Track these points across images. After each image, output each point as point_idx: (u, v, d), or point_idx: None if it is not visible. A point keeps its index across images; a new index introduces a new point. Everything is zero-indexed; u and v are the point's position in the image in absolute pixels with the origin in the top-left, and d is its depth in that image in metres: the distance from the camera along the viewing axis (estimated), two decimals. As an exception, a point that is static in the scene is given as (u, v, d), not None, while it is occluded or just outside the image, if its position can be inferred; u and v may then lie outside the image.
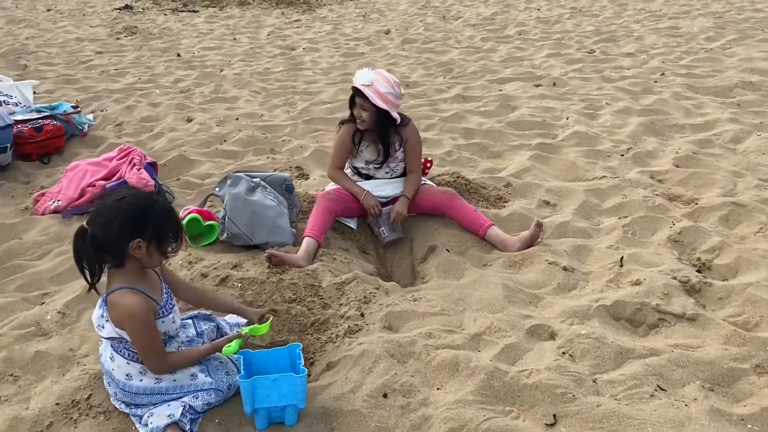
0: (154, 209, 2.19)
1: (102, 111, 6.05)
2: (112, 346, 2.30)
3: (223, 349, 2.33)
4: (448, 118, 5.44)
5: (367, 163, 3.73)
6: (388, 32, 9.54)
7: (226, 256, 3.35)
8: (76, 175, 4.00)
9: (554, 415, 2.25)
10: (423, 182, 3.79)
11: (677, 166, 4.35)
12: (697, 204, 3.79)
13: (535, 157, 4.59)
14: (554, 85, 6.35)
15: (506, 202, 4.02)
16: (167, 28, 10.58)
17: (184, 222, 3.43)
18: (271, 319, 2.51)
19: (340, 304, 2.97)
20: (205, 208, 3.61)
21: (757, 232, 3.46)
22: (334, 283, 3.09)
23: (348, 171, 3.85)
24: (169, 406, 2.24)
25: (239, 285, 3.08)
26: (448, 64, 7.43)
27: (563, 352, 2.57)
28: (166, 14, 11.93)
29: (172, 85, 7.03)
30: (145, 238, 2.17)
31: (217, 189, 3.76)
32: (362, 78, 3.54)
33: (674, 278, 3.03)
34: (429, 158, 4.01)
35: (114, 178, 3.98)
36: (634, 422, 2.15)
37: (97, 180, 3.95)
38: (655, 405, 2.24)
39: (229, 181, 3.52)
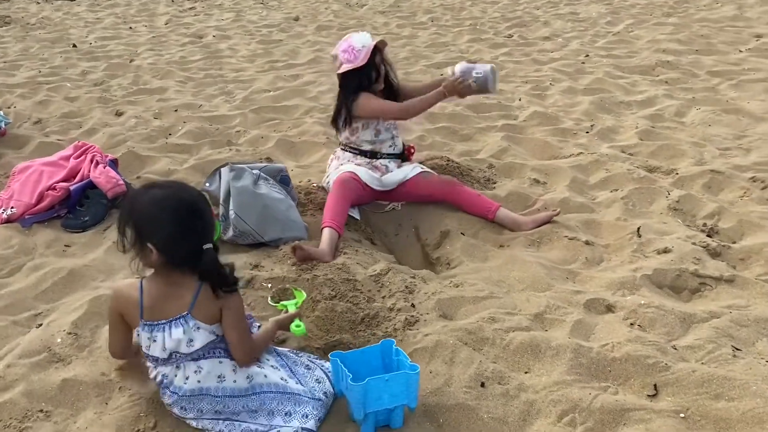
0: (132, 209, 2.06)
1: (9, 107, 5.34)
2: (196, 358, 2.06)
3: (295, 330, 2.30)
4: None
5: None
6: (297, 19, 9.24)
7: (238, 256, 3.05)
8: (30, 178, 3.47)
9: (654, 386, 2.24)
10: (423, 170, 3.66)
11: (642, 140, 4.54)
12: (677, 174, 3.97)
13: (507, 137, 4.61)
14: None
15: (494, 183, 4.00)
16: (46, 18, 9.58)
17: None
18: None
19: (383, 297, 2.79)
20: (199, 206, 3.26)
21: (741, 196, 3.68)
22: (370, 275, 2.90)
23: (348, 153, 3.65)
24: None
25: (269, 285, 2.82)
26: (375, 50, 7.30)
27: (631, 323, 2.58)
28: (38, 2, 10.79)
29: (80, 77, 6.35)
30: (153, 243, 1.99)
31: (206, 184, 3.41)
32: (364, 37, 3.54)
33: (694, 244, 3.14)
34: (411, 145, 3.91)
35: (76, 179, 3.50)
36: (735, 383, 2.18)
37: (57, 182, 3.45)
38: (743, 364, 2.29)
39: (230, 174, 3.20)
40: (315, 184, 3.79)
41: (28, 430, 2.07)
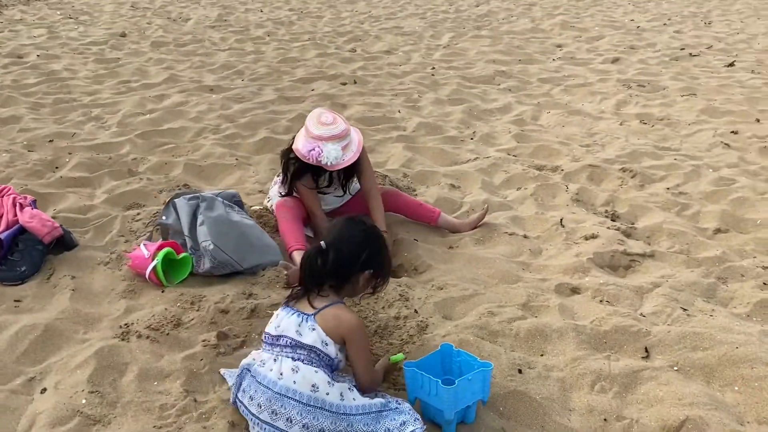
0: (385, 246, 2.35)
1: None
2: (296, 358, 2.15)
3: (392, 357, 2.43)
4: (295, 119, 5.40)
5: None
6: (123, 35, 8.68)
7: (221, 287, 2.99)
8: (-55, 229, 3.01)
9: (645, 348, 2.70)
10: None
11: (519, 143, 5.14)
12: (563, 170, 4.60)
13: (407, 147, 4.93)
14: (355, 82, 6.71)
15: (415, 191, 4.29)
16: None
17: (159, 259, 2.93)
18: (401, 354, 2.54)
19: (383, 308, 2.94)
20: (162, 241, 3.11)
21: (620, 185, 4.39)
22: (362, 289, 3.02)
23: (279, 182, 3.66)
24: None
25: (273, 313, 2.81)
26: (230, 67, 7.20)
27: (600, 300, 3.03)
28: None
29: None
30: (375, 270, 2.23)
31: (163, 217, 3.24)
32: (334, 156, 3.30)
33: (608, 228, 3.73)
34: None
35: (2, 227, 3.11)
36: (703, 336, 2.69)
37: (-19, 230, 3.04)
38: (698, 320, 2.85)
39: (199, 204, 3.09)
40: (257, 208, 3.77)
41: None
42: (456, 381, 2.13)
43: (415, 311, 2.92)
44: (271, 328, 2.25)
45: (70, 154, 4.52)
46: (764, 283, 3.14)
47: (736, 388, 2.46)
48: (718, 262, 3.35)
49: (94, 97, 5.95)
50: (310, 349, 2.15)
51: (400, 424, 2.09)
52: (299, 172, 3.45)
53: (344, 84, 6.61)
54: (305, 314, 2.20)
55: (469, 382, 2.16)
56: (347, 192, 3.66)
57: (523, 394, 2.39)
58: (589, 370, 2.53)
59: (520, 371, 2.52)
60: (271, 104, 5.86)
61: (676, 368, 2.58)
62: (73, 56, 7.47)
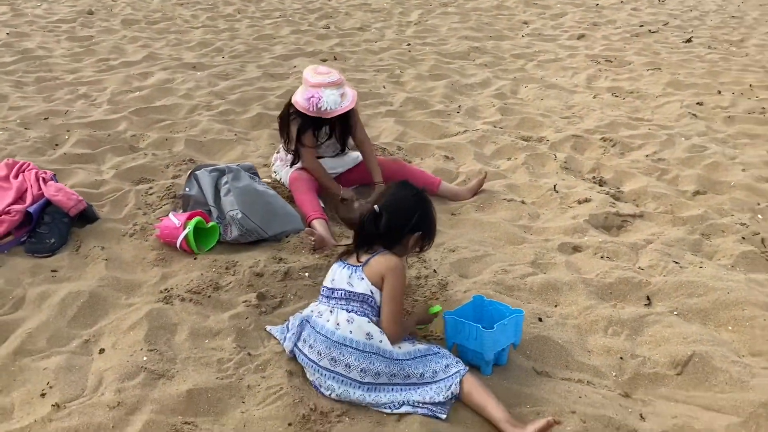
0: (432, 209, 2.53)
1: None
2: (350, 309, 2.33)
3: (431, 308, 2.61)
4: (283, 95, 5.50)
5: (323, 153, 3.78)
6: (91, 13, 8.52)
7: (251, 253, 3.15)
8: (-29, 205, 3.05)
9: (647, 297, 2.98)
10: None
11: (503, 116, 5.38)
12: (548, 141, 4.86)
13: (397, 122, 5.11)
14: (335, 59, 6.83)
15: (410, 162, 4.49)
16: None
17: (190, 227, 3.06)
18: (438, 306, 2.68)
19: (404, 268, 3.14)
20: (190, 211, 3.22)
21: (603, 153, 4.68)
22: (383, 252, 3.22)
23: (283, 153, 3.80)
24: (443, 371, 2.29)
25: (307, 274, 2.99)
26: (208, 44, 7.20)
27: (601, 257, 3.31)
28: None
29: None
30: (423, 232, 2.43)
31: (186, 189, 3.35)
32: (333, 101, 3.51)
33: (599, 192, 4.01)
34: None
35: (29, 201, 3.17)
36: (697, 284, 2.99)
37: (9, 205, 3.10)
38: (690, 271, 3.14)
39: (226, 176, 3.22)
40: (267, 180, 3.90)
41: (189, 443, 2.07)
42: (495, 326, 2.36)
43: (434, 271, 3.13)
44: (327, 282, 2.44)
45: (68, 131, 4.53)
46: (743, 238, 3.47)
47: (730, 328, 2.77)
48: (701, 220, 3.66)
49: (76, 75, 5.90)
50: (363, 299, 2.33)
51: (445, 366, 2.30)
52: (301, 128, 3.62)
53: (325, 60, 6.71)
54: (354, 266, 2.38)
55: (505, 327, 2.39)
56: (345, 149, 3.84)
57: (547, 339, 2.63)
58: (601, 317, 2.80)
59: (540, 320, 2.77)
60: (257, 81, 5.94)
61: (676, 313, 2.87)
62: (44, 34, 7.34)
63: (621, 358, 2.58)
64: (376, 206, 2.39)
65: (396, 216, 2.39)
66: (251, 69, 6.32)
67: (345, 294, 2.36)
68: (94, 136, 4.50)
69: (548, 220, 3.77)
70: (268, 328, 2.61)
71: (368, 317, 2.33)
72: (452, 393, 2.22)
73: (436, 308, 2.58)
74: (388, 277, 2.31)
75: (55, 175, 3.43)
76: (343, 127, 3.78)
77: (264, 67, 6.37)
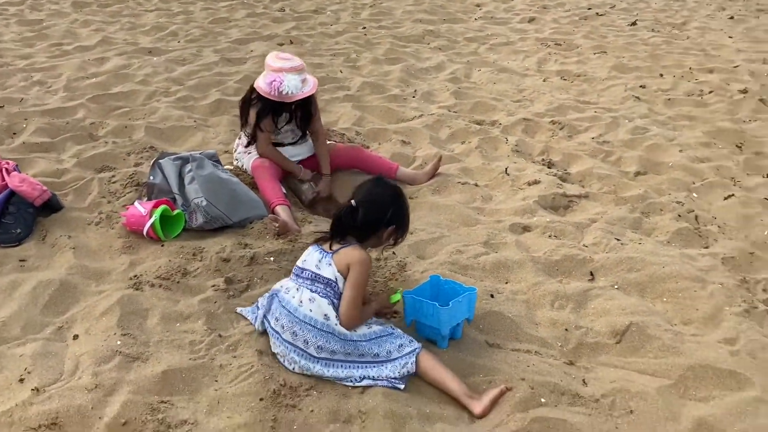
0: (406, 204, 2.67)
1: None
2: (314, 290, 2.47)
3: (391, 298, 2.71)
4: (242, 80, 5.55)
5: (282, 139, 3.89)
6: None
7: (217, 240, 3.26)
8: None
9: (590, 272, 3.21)
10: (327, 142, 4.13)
11: (458, 100, 5.55)
12: (500, 124, 5.06)
13: (355, 107, 5.23)
14: (291, 42, 6.88)
15: (368, 147, 4.63)
16: None
17: (156, 215, 3.15)
18: (399, 290, 2.79)
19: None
20: (155, 200, 3.31)
21: (552, 136, 4.90)
22: (344, 235, 3.37)
23: (245, 140, 3.90)
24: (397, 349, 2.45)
25: (272, 259, 3.12)
26: (162, 28, 7.16)
27: (549, 236, 3.53)
28: None
29: None
30: (397, 226, 2.58)
31: (150, 177, 3.43)
32: (294, 85, 3.63)
33: (547, 174, 4.23)
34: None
35: (-8, 191, 3.20)
36: (636, 259, 3.24)
37: (-28, 196, 3.13)
38: (630, 248, 3.38)
39: (192, 164, 3.31)
40: (229, 167, 3.99)
41: (166, 421, 2.19)
42: (450, 303, 2.54)
43: (393, 253, 3.29)
44: (299, 261, 2.59)
45: (25, 119, 4.52)
46: (679, 215, 3.74)
47: (665, 299, 3.02)
48: (641, 199, 3.92)
49: (29, 61, 5.83)
50: (327, 283, 2.48)
51: (399, 346, 2.47)
52: (261, 113, 3.73)
53: (281, 45, 6.76)
54: (326, 252, 2.54)
55: (459, 304, 2.58)
56: (306, 134, 3.97)
57: (498, 314, 2.84)
58: (548, 292, 3.02)
59: (492, 296, 2.97)
60: (215, 66, 5.97)
61: (616, 287, 3.11)
62: (-9, 19, 7.18)
63: (566, 329, 2.80)
64: (353, 201, 2.55)
65: (372, 210, 2.54)
66: (208, 54, 6.33)
67: (312, 275, 2.51)
68: (53, 124, 4.50)
69: (500, 201, 3.97)
70: (239, 309, 2.75)
71: (329, 299, 2.47)
72: (408, 371, 2.41)
73: (396, 297, 2.70)
74: (353, 267, 2.46)
75: (17, 165, 3.46)
76: (304, 113, 3.90)
77: (221, 52, 6.39)
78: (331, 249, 2.54)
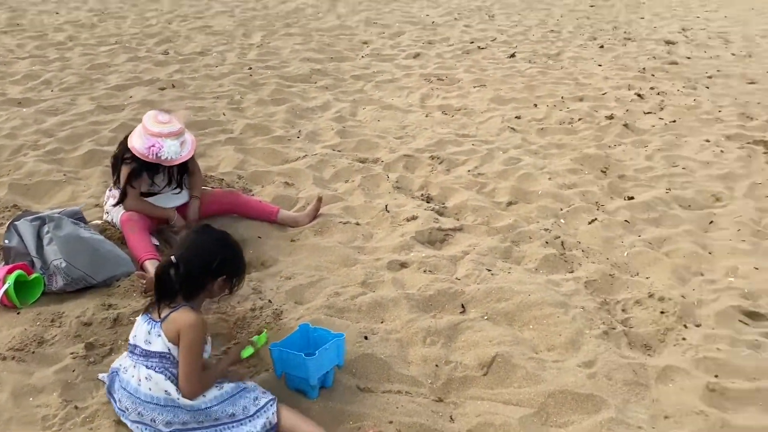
0: (237, 250, 2.56)
1: None
2: (149, 366, 2.35)
3: (243, 353, 2.60)
4: (118, 128, 5.39)
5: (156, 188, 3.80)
6: None
7: (79, 302, 3.13)
8: None
9: (462, 305, 3.30)
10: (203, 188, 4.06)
11: (342, 139, 5.62)
12: (383, 161, 5.16)
13: (237, 150, 5.19)
14: (173, 86, 6.76)
15: (251, 191, 4.60)
16: None
17: (10, 281, 2.98)
18: (264, 331, 2.73)
19: (238, 302, 3.25)
20: (11, 264, 3.13)
21: (431, 171, 5.03)
22: (218, 286, 3.30)
23: (117, 193, 3.78)
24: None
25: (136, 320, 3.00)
26: (35, 76, 6.86)
27: (424, 271, 3.60)
28: None
29: None
30: (229, 275, 2.46)
31: (6, 241, 3.24)
32: (174, 151, 3.58)
33: (425, 209, 4.33)
34: None
35: None
36: (504, 289, 3.35)
37: None
38: (500, 278, 3.51)
39: (49, 224, 3.16)
40: (98, 222, 3.84)
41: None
42: (316, 352, 2.54)
43: (269, 301, 3.26)
44: (130, 336, 2.45)
45: None
46: (546, 242, 3.92)
47: (531, 327, 3.14)
48: (511, 228, 4.08)
49: None
50: (160, 356, 2.35)
51: (254, 399, 2.39)
52: (136, 173, 3.62)
53: (163, 89, 6.64)
54: (154, 321, 2.38)
55: (327, 351, 2.58)
56: (183, 187, 3.90)
57: (371, 356, 2.86)
58: (421, 329, 3.07)
59: (366, 338, 2.99)
60: (89, 115, 5.77)
61: (486, 318, 3.21)
62: None
63: (436, 365, 2.86)
64: (172, 256, 2.39)
65: (194, 264, 2.38)
66: (83, 102, 6.12)
67: (142, 351, 2.38)
68: None
69: (380, 239, 4.03)
70: (100, 375, 2.62)
71: (166, 373, 2.34)
72: (270, 422, 2.35)
73: (248, 351, 2.60)
74: (183, 334, 2.30)
75: None
76: (181, 170, 3.83)
77: (97, 99, 6.20)
78: (159, 317, 2.38)
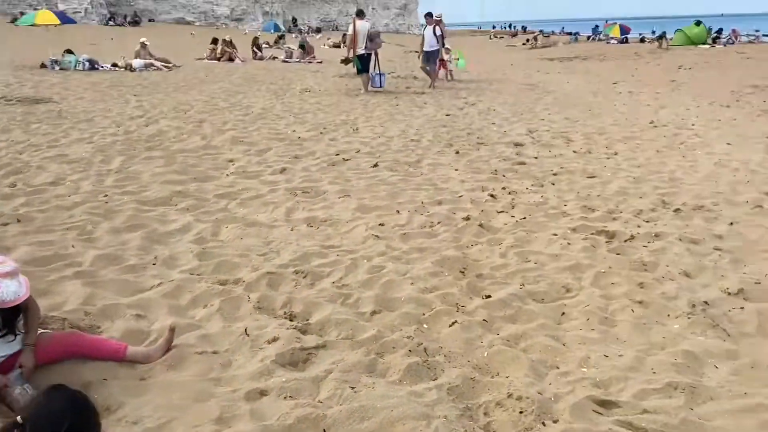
0: (90, 414, 2.40)
1: None
2: None
3: None
4: None
5: None
6: None
7: None
8: None
9: (324, 430, 3.14)
10: (39, 332, 3.72)
11: (201, 261, 5.43)
12: (244, 281, 5.00)
13: (85, 284, 4.85)
14: (18, 221, 6.34)
15: (99, 327, 4.28)
16: None
17: None
18: None
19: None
20: None
21: (295, 286, 4.95)
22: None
23: None
24: None
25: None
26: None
27: (285, 397, 3.43)
28: None
29: None
30: None
31: None
32: (14, 291, 3.41)
33: (287, 328, 4.20)
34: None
35: None
36: (368, 406, 3.26)
37: None
38: (364, 395, 3.41)
39: None
40: None
41: None
42: None
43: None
44: None
45: None
46: (410, 350, 3.90)
47: (396, 445, 3.04)
48: (375, 340, 4.04)
49: None
50: None
51: None
52: None
53: (6, 224, 6.21)
54: None
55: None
56: (16, 333, 3.56)
57: None
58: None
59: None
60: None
61: None
62: None
63: (295, 503, 2.67)
64: (18, 417, 2.23)
65: (41, 426, 2.23)
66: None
67: None
68: None
69: (239, 366, 3.84)
70: None
71: None
72: None
73: None
74: None
75: None
76: (14, 313, 3.52)
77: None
78: None
